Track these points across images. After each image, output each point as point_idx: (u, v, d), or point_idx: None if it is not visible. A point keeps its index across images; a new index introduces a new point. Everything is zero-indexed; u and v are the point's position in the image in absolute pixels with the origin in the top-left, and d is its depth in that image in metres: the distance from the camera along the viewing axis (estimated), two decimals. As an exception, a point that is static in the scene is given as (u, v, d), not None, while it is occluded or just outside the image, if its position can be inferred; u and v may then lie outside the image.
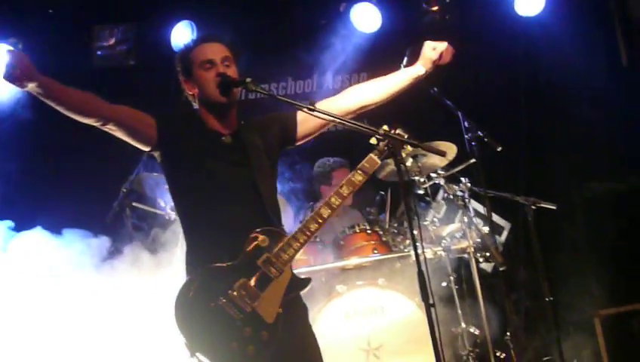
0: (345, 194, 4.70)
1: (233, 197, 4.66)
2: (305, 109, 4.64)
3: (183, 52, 4.90)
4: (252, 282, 4.45)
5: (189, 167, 4.67)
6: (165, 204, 7.20)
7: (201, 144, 4.73)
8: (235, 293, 4.41)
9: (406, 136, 4.70)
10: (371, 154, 4.75)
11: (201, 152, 4.70)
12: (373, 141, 4.73)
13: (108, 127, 4.63)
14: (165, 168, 4.82)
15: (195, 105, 4.92)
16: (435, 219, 7.77)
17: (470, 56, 9.18)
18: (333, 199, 4.67)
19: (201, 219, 4.64)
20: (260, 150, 4.84)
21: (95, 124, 4.61)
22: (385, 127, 4.69)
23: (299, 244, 4.59)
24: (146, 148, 4.77)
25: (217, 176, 4.68)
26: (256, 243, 4.53)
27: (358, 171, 4.74)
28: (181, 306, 4.41)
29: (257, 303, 4.43)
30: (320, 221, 4.63)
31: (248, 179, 4.70)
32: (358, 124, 4.71)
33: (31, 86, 4.34)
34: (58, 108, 4.48)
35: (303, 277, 4.67)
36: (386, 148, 4.68)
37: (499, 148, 7.31)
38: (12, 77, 4.28)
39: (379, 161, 4.76)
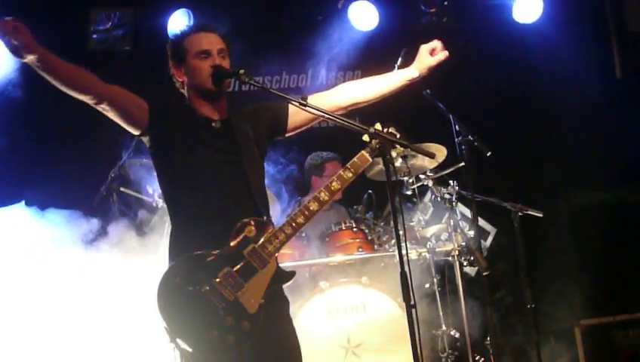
0: (334, 190, 4.71)
1: (221, 185, 4.66)
2: (296, 103, 4.65)
3: (177, 38, 4.89)
4: (236, 271, 4.45)
5: (178, 152, 4.66)
6: (153, 191, 7.19)
7: (191, 130, 4.72)
8: (218, 281, 4.41)
9: (398, 136, 4.71)
10: (363, 152, 4.76)
11: (191, 138, 4.69)
12: (365, 138, 4.73)
13: (101, 106, 4.63)
14: (154, 153, 4.81)
15: (184, 92, 4.92)
16: (421, 221, 7.77)
17: (466, 60, 9.24)
18: (322, 194, 4.67)
19: (187, 205, 4.63)
20: (250, 138, 4.85)
21: (89, 102, 4.61)
22: (377, 126, 4.70)
23: (285, 236, 4.59)
24: (136, 132, 4.77)
25: (206, 162, 4.68)
26: (243, 232, 4.53)
27: (349, 168, 4.74)
28: (164, 291, 4.41)
29: (240, 293, 4.43)
30: (307, 214, 4.63)
31: (237, 167, 4.70)
32: (349, 121, 4.72)
33: (30, 58, 4.33)
34: (54, 82, 4.47)
35: (287, 270, 4.67)
36: (377, 146, 4.68)
37: (488, 153, 7.31)
38: (12, 47, 4.28)
39: (370, 159, 4.76)
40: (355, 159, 4.76)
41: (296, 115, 4.97)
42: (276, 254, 4.60)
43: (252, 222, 4.57)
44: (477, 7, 9.55)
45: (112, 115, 4.69)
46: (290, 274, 4.66)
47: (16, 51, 4.30)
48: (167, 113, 4.78)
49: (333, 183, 4.70)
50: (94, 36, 8.65)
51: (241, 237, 4.53)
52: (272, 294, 4.57)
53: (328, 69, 9.49)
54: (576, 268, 9.18)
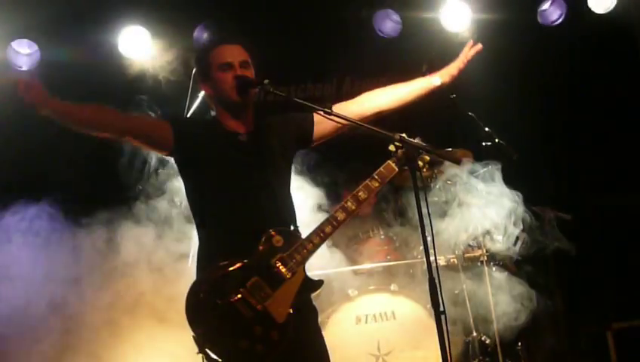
0: (361, 199, 4.71)
1: (248, 197, 4.67)
2: (322, 112, 4.65)
3: (202, 53, 4.95)
4: (264, 281, 4.46)
5: (204, 167, 4.68)
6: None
7: (217, 144, 4.75)
8: (246, 291, 4.42)
9: (424, 145, 4.72)
10: (389, 161, 4.79)
11: (217, 152, 4.72)
12: (391, 148, 4.73)
13: (124, 139, 4.71)
14: (181, 170, 4.86)
15: (212, 110, 4.95)
16: (449, 226, 7.74)
17: (493, 64, 9.21)
18: (349, 203, 4.69)
19: (214, 218, 4.65)
20: (276, 150, 4.86)
21: (112, 138, 4.70)
22: (403, 135, 4.71)
23: (312, 246, 4.61)
24: (164, 154, 4.82)
25: (233, 175, 4.70)
26: (270, 243, 4.55)
27: (375, 177, 4.75)
28: (192, 302, 4.44)
29: (269, 302, 4.45)
30: (335, 224, 4.65)
31: (263, 179, 4.72)
32: (376, 128, 4.71)
33: (45, 112, 4.44)
34: (74, 127, 4.59)
35: (315, 279, 4.68)
36: (403, 155, 4.68)
37: (515, 157, 7.29)
38: (27, 104, 4.40)
39: (396, 169, 4.78)
40: (381, 168, 4.78)
41: (321, 125, 4.98)
42: (304, 263, 4.60)
43: (279, 233, 4.58)
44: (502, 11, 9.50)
45: (137, 145, 4.76)
46: (318, 283, 4.67)
47: (31, 107, 4.39)
48: (192, 130, 4.81)
49: (360, 193, 4.72)
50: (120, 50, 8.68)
51: (268, 247, 4.54)
52: (301, 304, 4.59)
53: (353, 77, 9.49)
54: (608, 271, 9.11)
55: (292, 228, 4.71)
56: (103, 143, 4.99)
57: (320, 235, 4.62)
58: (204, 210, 4.73)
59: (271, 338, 4.41)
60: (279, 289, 4.49)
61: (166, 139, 4.71)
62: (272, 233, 4.57)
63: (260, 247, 4.54)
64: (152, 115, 5.66)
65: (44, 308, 6.89)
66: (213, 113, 4.97)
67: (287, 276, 4.52)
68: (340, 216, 4.66)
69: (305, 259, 4.59)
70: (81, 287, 7.03)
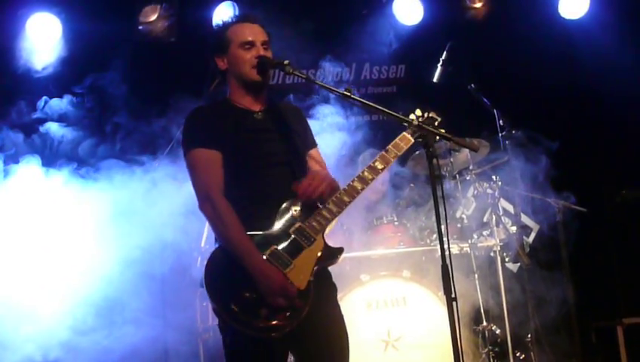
0: (379, 169, 4.70)
1: (265, 169, 4.66)
2: (340, 94, 4.65)
3: (221, 28, 4.87)
4: (283, 250, 4.47)
5: (221, 142, 4.64)
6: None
7: (233, 121, 4.71)
8: (265, 260, 4.43)
9: (438, 120, 4.80)
10: (405, 133, 4.79)
11: (233, 128, 4.68)
12: (416, 120, 4.75)
13: None
14: None
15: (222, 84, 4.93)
16: (463, 216, 7.74)
17: (513, 56, 9.21)
18: (366, 173, 4.68)
19: (233, 188, 4.61)
20: (293, 128, 4.86)
21: None
22: (418, 111, 4.78)
23: (330, 214, 4.60)
24: None
25: (250, 148, 4.66)
26: (288, 212, 4.57)
27: (391, 148, 4.76)
28: (211, 273, 4.43)
29: (288, 270, 4.44)
30: (352, 193, 4.63)
31: (280, 151, 4.71)
32: (391, 112, 4.70)
33: None
34: None
35: (335, 247, 4.66)
36: (419, 125, 4.68)
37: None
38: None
39: (412, 139, 4.78)
40: (397, 140, 4.78)
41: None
42: (323, 232, 4.60)
43: (297, 202, 4.59)
44: (522, 4, 9.49)
45: None
46: (338, 251, 4.65)
47: None
48: (210, 118, 4.75)
49: (377, 163, 4.71)
50: (140, 27, 8.72)
51: (287, 216, 4.56)
52: (321, 275, 4.59)
53: (372, 63, 9.49)
54: (620, 267, 9.10)
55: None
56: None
57: (338, 204, 4.61)
58: (224, 183, 4.67)
59: (293, 304, 4.40)
60: (298, 257, 4.48)
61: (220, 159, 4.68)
62: (290, 202, 4.59)
63: (278, 217, 4.55)
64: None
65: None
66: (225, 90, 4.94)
67: (306, 244, 4.52)
68: (358, 185, 4.65)
69: (324, 227, 4.58)
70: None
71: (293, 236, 4.51)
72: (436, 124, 4.83)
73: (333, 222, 4.67)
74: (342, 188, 4.66)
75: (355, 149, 7.99)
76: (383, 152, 4.75)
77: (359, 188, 4.65)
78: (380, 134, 8.35)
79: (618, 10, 9.33)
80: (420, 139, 4.70)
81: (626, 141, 9.47)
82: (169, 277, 7.67)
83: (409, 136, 4.78)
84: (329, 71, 9.00)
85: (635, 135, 9.42)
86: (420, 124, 4.64)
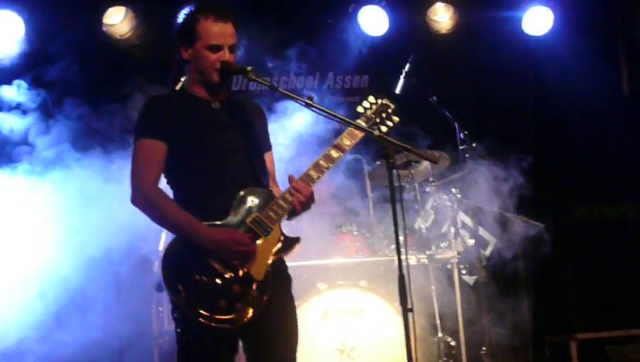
0: (334, 157, 4.70)
1: (221, 159, 4.63)
2: (302, 102, 4.65)
3: (192, 19, 4.73)
4: None
5: (179, 130, 4.61)
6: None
7: (190, 110, 4.69)
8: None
9: (392, 107, 4.91)
10: (359, 120, 4.82)
11: (190, 117, 4.67)
12: (360, 109, 4.85)
13: None
14: None
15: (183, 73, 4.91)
16: (422, 227, 7.77)
17: (476, 70, 9.26)
18: (322, 161, 4.68)
19: (190, 178, 4.61)
20: (252, 122, 4.86)
21: None
22: (371, 98, 4.87)
23: (287, 204, 4.59)
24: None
25: (204, 135, 4.64)
26: (244, 202, 4.56)
27: (346, 136, 4.76)
28: (169, 264, 4.41)
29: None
30: (309, 182, 4.63)
31: (238, 143, 4.69)
32: (354, 123, 4.73)
33: None
34: None
35: (292, 236, 4.67)
36: (373, 116, 4.82)
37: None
38: None
39: (366, 126, 4.80)
40: (349, 130, 4.79)
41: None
42: (280, 221, 4.61)
43: (253, 192, 4.59)
44: (487, 18, 9.55)
45: None
46: (294, 240, 4.67)
47: None
48: (165, 108, 4.71)
49: (332, 151, 4.72)
50: (104, 29, 8.69)
51: (243, 206, 4.55)
52: (278, 265, 4.60)
53: (336, 72, 9.50)
54: (575, 282, 9.15)
55: (266, 187, 4.71)
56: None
57: (293, 193, 4.60)
58: (178, 173, 4.66)
59: (251, 294, 4.41)
60: (256, 245, 4.48)
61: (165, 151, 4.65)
62: (246, 192, 4.58)
63: (234, 207, 4.53)
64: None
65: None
66: (183, 79, 4.92)
67: (263, 234, 4.52)
68: (314, 174, 4.65)
69: (280, 216, 4.58)
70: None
71: (249, 226, 4.50)
72: (390, 111, 4.88)
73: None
74: (299, 177, 4.65)
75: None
76: (338, 140, 4.75)
77: (315, 176, 4.66)
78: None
79: (582, 27, 9.41)
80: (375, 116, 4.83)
81: (586, 158, 9.56)
82: (127, 277, 7.62)
83: (363, 123, 4.81)
84: (292, 80, 9.01)
85: (595, 152, 9.51)
86: (381, 136, 4.66)
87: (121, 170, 7.14)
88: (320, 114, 4.71)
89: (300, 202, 4.60)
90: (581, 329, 8.58)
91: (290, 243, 4.65)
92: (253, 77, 4.65)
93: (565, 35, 9.36)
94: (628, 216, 9.11)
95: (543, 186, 9.12)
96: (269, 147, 5.01)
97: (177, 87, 4.99)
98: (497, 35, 9.52)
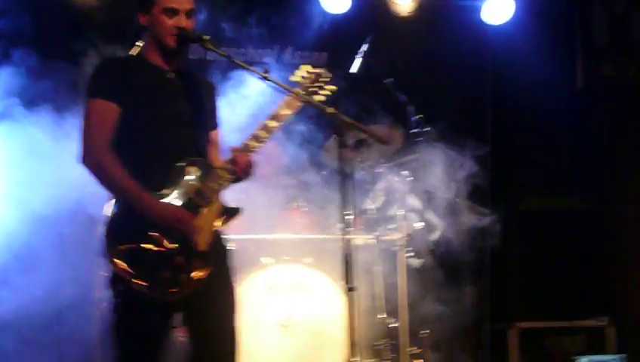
0: (271, 127, 4.71)
1: (169, 130, 4.62)
2: (258, 75, 4.64)
3: None
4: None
5: (131, 98, 4.57)
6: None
7: (142, 77, 4.67)
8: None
9: (328, 78, 4.92)
10: (295, 88, 4.83)
11: (142, 83, 4.64)
12: (295, 78, 4.90)
13: None
14: None
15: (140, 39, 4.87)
16: (371, 208, 7.78)
17: (434, 55, 9.28)
18: (259, 132, 4.69)
19: (133, 145, 4.56)
20: (203, 97, 4.85)
21: None
22: (307, 67, 4.92)
23: (227, 174, 4.61)
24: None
25: (157, 108, 4.62)
26: (185, 173, 4.55)
27: (282, 105, 4.77)
28: (112, 232, 4.39)
29: None
30: (249, 152, 4.65)
31: (186, 112, 4.68)
32: (310, 99, 4.73)
33: None
34: None
35: (232, 207, 4.68)
36: (310, 83, 4.87)
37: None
38: None
39: (302, 96, 4.82)
40: (287, 97, 4.81)
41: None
42: (220, 192, 4.61)
43: (194, 163, 4.58)
44: (446, 8, 9.55)
45: None
46: (235, 210, 4.68)
47: None
48: (119, 71, 4.67)
49: (268, 121, 4.72)
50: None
51: (184, 176, 4.54)
52: (218, 236, 4.62)
53: (295, 47, 9.46)
54: (520, 272, 9.24)
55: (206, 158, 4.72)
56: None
57: (233, 162, 4.62)
58: (123, 138, 4.58)
59: (195, 266, 4.41)
60: (197, 218, 4.47)
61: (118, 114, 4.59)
62: (187, 163, 4.56)
63: (175, 177, 4.52)
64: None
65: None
66: (139, 44, 4.89)
67: (204, 205, 4.52)
68: (253, 144, 4.66)
69: (221, 187, 4.60)
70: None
71: (190, 196, 4.50)
72: (325, 80, 4.92)
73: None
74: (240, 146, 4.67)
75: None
76: (277, 109, 4.77)
77: (252, 145, 4.67)
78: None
79: (541, 19, 9.45)
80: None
81: (538, 150, 9.63)
82: (73, 238, 7.54)
83: (299, 92, 4.82)
84: (250, 52, 8.97)
85: (546, 144, 9.59)
86: (335, 113, 4.68)
87: (72, 127, 7.07)
88: (275, 88, 4.71)
89: (242, 170, 4.63)
90: (522, 319, 8.68)
91: (231, 213, 4.67)
92: (211, 46, 4.64)
93: (525, 26, 9.37)
94: (574, 208, 9.22)
95: (497, 176, 9.17)
96: (216, 125, 5.00)
97: (134, 53, 4.96)
98: (458, 21, 9.54)
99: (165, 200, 4.46)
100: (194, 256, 4.43)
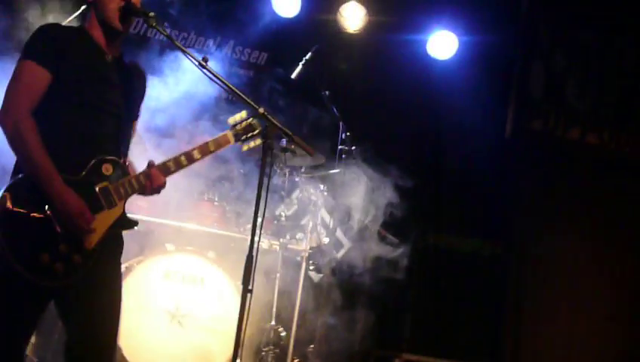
0: (195, 158, 4.81)
1: (96, 116, 4.54)
2: (196, 62, 4.60)
3: None
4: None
5: (66, 72, 4.47)
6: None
7: (83, 55, 4.57)
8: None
9: (258, 129, 4.98)
10: (228, 131, 4.96)
11: (81, 62, 4.53)
12: (231, 121, 4.98)
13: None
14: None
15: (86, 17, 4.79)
16: (282, 214, 7.77)
17: (376, 77, 9.31)
18: (182, 158, 4.77)
19: (57, 122, 4.46)
20: (134, 89, 4.82)
21: None
22: (243, 114, 5.00)
23: (138, 185, 4.60)
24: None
25: (89, 91, 4.52)
26: (100, 168, 4.48)
27: (212, 142, 4.89)
28: (4, 204, 4.27)
29: None
30: (165, 173, 4.70)
31: (115, 103, 4.61)
32: (243, 96, 4.73)
33: None
34: None
35: (132, 218, 4.65)
36: (242, 131, 4.97)
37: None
38: None
39: (232, 142, 4.97)
40: (220, 136, 4.93)
41: None
42: (126, 199, 4.57)
43: (111, 161, 4.53)
44: (393, 41, 9.58)
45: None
46: (132, 223, 4.65)
47: None
48: (60, 39, 4.54)
49: (195, 152, 4.82)
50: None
51: (97, 170, 4.48)
52: (111, 236, 4.54)
53: (236, 42, 9.41)
54: (415, 304, 9.32)
55: (125, 162, 4.66)
56: None
57: (149, 178, 4.62)
58: (49, 114, 4.46)
59: (73, 260, 4.33)
60: (95, 216, 4.41)
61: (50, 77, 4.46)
62: (105, 159, 4.51)
63: (90, 168, 4.45)
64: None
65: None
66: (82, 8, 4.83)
67: (107, 206, 4.47)
68: (171, 165, 4.73)
69: (128, 195, 4.57)
70: None
71: (97, 193, 4.44)
72: (255, 132, 5.01)
73: None
74: (158, 163, 4.69)
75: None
76: (203, 145, 4.85)
77: (172, 169, 4.74)
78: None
79: (482, 59, 9.53)
80: (243, 128, 4.98)
81: (460, 189, 9.72)
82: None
83: (231, 137, 4.96)
84: (192, 37, 8.91)
85: (467, 185, 9.67)
86: (265, 113, 4.69)
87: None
88: (211, 78, 4.68)
89: (152, 188, 4.67)
90: (410, 351, 8.74)
91: (128, 223, 4.64)
92: (154, 24, 4.60)
93: (466, 65, 9.47)
94: (481, 252, 9.34)
95: (414, 207, 9.20)
96: (138, 115, 4.96)
97: (77, 25, 4.88)
98: (403, 50, 9.56)
99: (72, 186, 4.36)
100: (77, 250, 4.35)
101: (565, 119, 9.68)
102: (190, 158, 4.78)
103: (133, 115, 4.86)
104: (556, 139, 9.67)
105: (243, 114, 4.98)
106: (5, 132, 4.36)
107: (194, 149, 4.80)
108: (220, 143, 4.90)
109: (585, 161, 9.64)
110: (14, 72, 4.48)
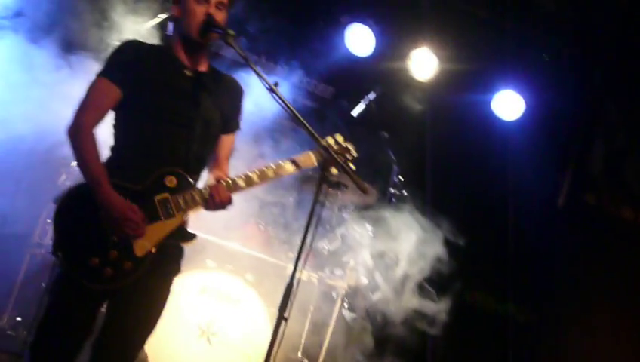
0: (269, 177, 4.75)
1: (168, 129, 4.56)
2: (267, 86, 4.60)
3: None
4: (141, 212, 4.42)
5: (140, 86, 4.54)
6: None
7: (161, 69, 4.63)
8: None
9: (354, 156, 4.93)
10: (310, 152, 4.86)
11: (157, 76, 4.59)
12: (325, 142, 4.81)
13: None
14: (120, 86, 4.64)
15: (170, 31, 4.85)
16: (325, 248, 7.78)
17: (442, 136, 9.27)
18: (254, 176, 4.71)
19: (128, 135, 4.55)
20: (217, 103, 4.77)
21: None
22: (339, 137, 4.94)
23: (201, 200, 4.58)
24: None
25: (163, 103, 4.57)
26: (163, 179, 4.51)
27: (292, 162, 4.81)
28: (65, 204, 4.37)
29: None
30: (234, 190, 4.65)
31: (191, 118, 4.61)
32: (309, 127, 4.69)
33: None
34: None
35: (190, 232, 4.64)
36: (326, 149, 4.76)
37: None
38: None
39: (315, 163, 4.85)
40: (300, 155, 4.85)
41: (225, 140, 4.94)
42: (186, 213, 4.57)
43: (175, 174, 4.54)
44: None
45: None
46: (190, 236, 4.63)
47: None
48: (137, 53, 4.64)
49: (270, 171, 4.75)
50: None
51: (159, 182, 4.50)
52: (166, 249, 4.53)
53: (306, 72, 9.44)
54: (442, 359, 9.28)
55: (190, 178, 4.63)
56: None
57: (211, 192, 4.58)
58: (123, 125, 4.59)
59: (123, 266, 4.37)
60: (151, 225, 4.44)
61: (117, 97, 4.56)
62: (169, 171, 4.53)
63: (151, 179, 4.48)
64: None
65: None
66: (169, 34, 4.87)
67: (163, 217, 4.48)
68: (242, 184, 4.67)
69: (188, 208, 4.55)
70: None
71: (155, 203, 4.47)
72: (348, 156, 4.88)
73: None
74: (226, 181, 4.66)
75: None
76: (281, 162, 4.81)
77: (243, 186, 4.68)
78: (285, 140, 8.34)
79: (545, 128, 9.49)
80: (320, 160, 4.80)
81: (505, 252, 9.64)
82: (34, 172, 7.46)
83: (314, 158, 4.86)
84: (262, 59, 8.95)
85: (514, 248, 9.60)
86: (330, 146, 4.69)
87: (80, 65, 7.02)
88: (279, 102, 4.68)
89: (214, 203, 4.61)
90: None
91: (185, 236, 4.62)
92: (231, 42, 4.59)
93: (528, 127, 9.41)
94: (513, 315, 9.28)
95: (458, 264, 9.14)
96: (233, 128, 4.92)
97: (162, 43, 4.93)
98: (468, 104, 9.52)
99: (133, 195, 4.42)
100: (128, 257, 4.39)
101: (621, 197, 9.59)
102: (263, 176, 4.72)
103: (219, 128, 4.81)
104: (608, 215, 9.56)
105: (339, 137, 4.94)
106: (69, 141, 4.46)
107: (268, 167, 4.75)
108: (300, 163, 4.84)
109: (636, 240, 9.52)
110: (88, 86, 4.58)
